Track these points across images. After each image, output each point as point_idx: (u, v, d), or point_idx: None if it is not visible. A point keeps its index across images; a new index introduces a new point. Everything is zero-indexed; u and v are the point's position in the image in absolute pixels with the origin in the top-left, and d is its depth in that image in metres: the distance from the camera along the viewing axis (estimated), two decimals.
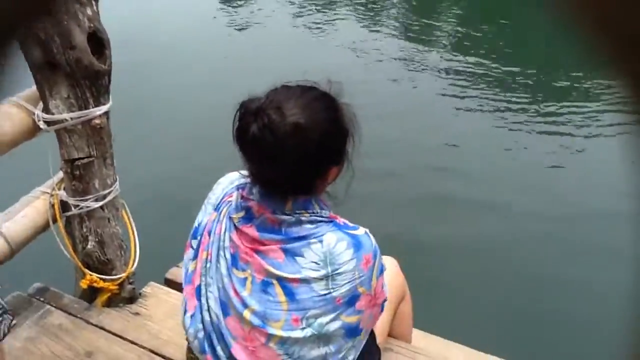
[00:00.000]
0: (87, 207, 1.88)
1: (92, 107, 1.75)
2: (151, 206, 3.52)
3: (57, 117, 1.73)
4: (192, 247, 1.27)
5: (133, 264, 2.06)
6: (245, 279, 1.14)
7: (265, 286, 1.12)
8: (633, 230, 2.68)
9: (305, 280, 1.09)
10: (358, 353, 1.19)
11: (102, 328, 1.95)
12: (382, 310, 1.24)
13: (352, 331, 1.14)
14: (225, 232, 1.18)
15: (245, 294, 1.13)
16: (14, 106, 1.77)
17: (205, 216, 1.27)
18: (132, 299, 2.09)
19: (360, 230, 1.15)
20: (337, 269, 1.09)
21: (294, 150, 1.03)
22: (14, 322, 1.79)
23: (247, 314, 1.13)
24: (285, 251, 1.10)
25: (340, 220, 1.16)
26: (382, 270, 1.18)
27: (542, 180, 4.24)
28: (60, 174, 1.90)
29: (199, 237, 1.25)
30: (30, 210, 1.90)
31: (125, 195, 2.05)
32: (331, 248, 1.10)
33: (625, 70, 0.26)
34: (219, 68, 5.93)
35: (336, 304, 1.10)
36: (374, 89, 5.34)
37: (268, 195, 1.13)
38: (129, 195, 2.11)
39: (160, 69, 5.76)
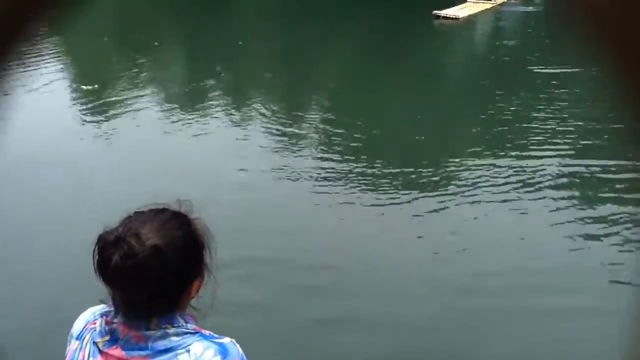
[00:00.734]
0: None
1: None
2: None
3: None
4: None
5: None
6: None
7: None
8: None
9: None
10: None
11: None
12: None
13: None
14: (89, 359, 1.17)
15: None
16: None
17: (67, 349, 1.25)
18: None
19: (226, 339, 1.17)
20: None
21: (156, 272, 1.08)
22: None
23: None
24: None
25: (206, 331, 1.17)
26: None
27: None
28: None
29: None
30: None
31: None
32: (199, 356, 1.11)
33: None
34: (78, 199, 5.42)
35: None
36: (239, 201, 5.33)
37: (133, 316, 1.14)
38: None
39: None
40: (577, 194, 5.61)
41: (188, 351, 1.11)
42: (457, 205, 5.35)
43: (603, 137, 6.78)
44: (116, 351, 1.14)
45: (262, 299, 4.03)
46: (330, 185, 5.77)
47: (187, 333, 1.14)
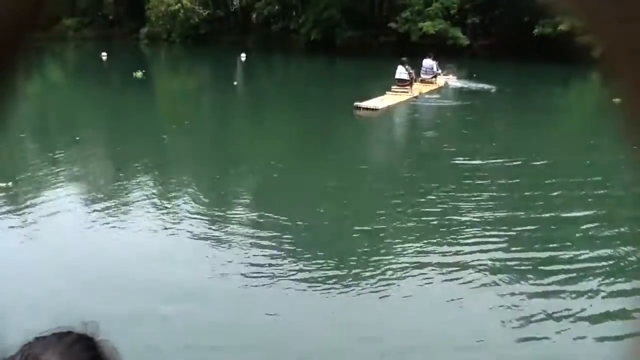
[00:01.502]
0: None
1: None
2: None
3: None
4: None
5: None
6: None
7: None
8: None
9: None
10: None
11: None
12: None
13: None
14: None
15: None
16: None
17: None
18: None
19: None
20: None
21: None
22: None
23: None
24: None
25: None
26: None
27: None
28: None
29: None
30: None
31: None
32: None
33: None
34: None
35: None
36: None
37: None
38: None
39: None
40: (508, 287, 5.60)
41: None
42: (379, 297, 5.37)
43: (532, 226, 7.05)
44: None
45: None
46: (260, 281, 5.68)
47: None
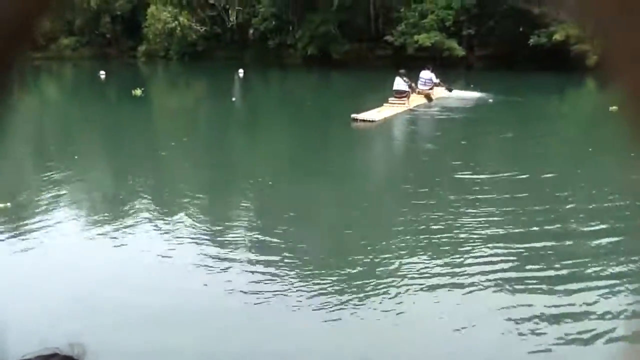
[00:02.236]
0: None
1: None
2: None
3: None
4: None
5: None
6: None
7: None
8: None
9: None
10: None
11: None
12: None
13: None
14: None
15: None
16: None
17: None
18: None
19: None
20: None
21: None
22: None
23: None
24: None
25: None
26: None
27: None
28: None
29: None
30: None
31: None
32: None
33: None
34: None
35: None
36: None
37: None
38: None
39: None
40: (508, 302, 5.47)
41: None
42: (379, 316, 5.25)
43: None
44: None
45: None
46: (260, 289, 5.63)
47: None
